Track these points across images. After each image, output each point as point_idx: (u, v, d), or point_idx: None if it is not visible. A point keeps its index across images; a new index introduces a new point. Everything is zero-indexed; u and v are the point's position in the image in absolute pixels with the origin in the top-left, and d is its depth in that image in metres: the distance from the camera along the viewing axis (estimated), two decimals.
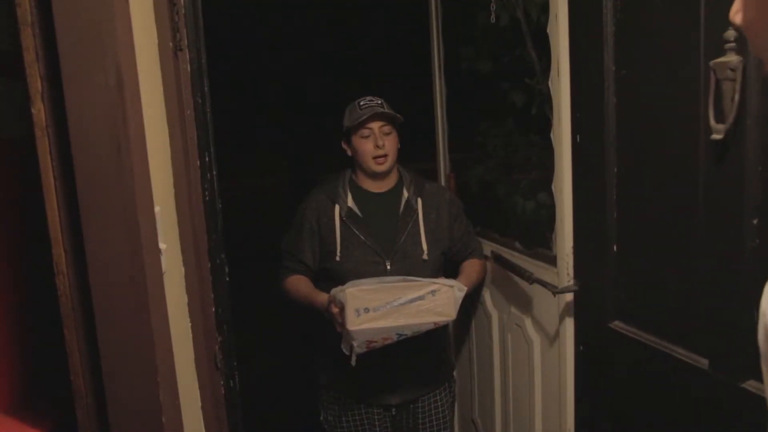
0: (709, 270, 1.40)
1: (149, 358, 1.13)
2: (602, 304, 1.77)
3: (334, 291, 2.03)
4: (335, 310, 2.01)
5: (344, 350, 2.03)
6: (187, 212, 1.52)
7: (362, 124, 2.20)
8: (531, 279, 2.04)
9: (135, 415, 1.15)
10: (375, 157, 2.22)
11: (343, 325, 1.97)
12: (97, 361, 1.13)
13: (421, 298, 1.96)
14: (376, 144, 2.21)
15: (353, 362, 2.05)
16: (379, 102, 2.25)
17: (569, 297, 1.93)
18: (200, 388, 1.56)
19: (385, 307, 1.93)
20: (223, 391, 1.67)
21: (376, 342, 2.00)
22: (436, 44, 2.84)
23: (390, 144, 2.23)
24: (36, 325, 1.40)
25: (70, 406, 1.19)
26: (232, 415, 1.72)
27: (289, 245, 2.32)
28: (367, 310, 1.92)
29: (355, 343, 1.96)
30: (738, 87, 1.26)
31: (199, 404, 1.56)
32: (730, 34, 1.26)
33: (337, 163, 2.42)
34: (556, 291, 1.92)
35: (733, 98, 1.27)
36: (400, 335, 2.01)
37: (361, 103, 2.25)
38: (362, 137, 2.22)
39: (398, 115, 2.24)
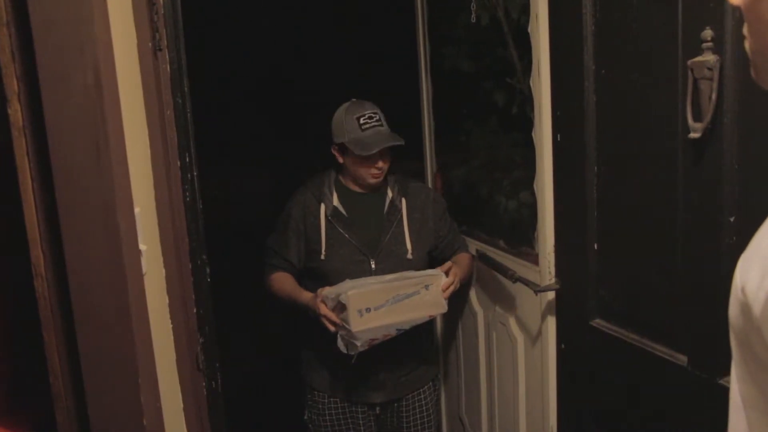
0: (688, 268, 1.42)
1: (130, 360, 1.13)
2: (583, 303, 1.78)
3: (326, 291, 2.03)
4: (324, 310, 2.01)
5: (341, 349, 2.04)
6: (168, 213, 1.51)
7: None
8: (514, 278, 2.05)
9: (116, 417, 1.14)
10: (371, 174, 2.22)
11: (343, 326, 1.98)
12: (77, 364, 1.12)
13: (416, 293, 2.02)
14: (375, 166, 2.20)
15: (354, 360, 2.08)
16: (378, 119, 2.20)
17: (551, 295, 1.94)
18: (182, 389, 1.56)
19: (385, 305, 1.98)
20: (205, 393, 1.66)
21: (377, 339, 2.03)
22: (422, 44, 2.84)
23: (387, 162, 2.23)
24: (14, 327, 1.39)
25: (50, 408, 1.18)
26: (215, 416, 1.71)
27: (275, 243, 2.32)
28: (368, 309, 1.96)
29: (358, 343, 1.99)
30: (715, 86, 1.27)
31: (181, 406, 1.55)
32: (708, 33, 1.28)
33: (321, 163, 2.42)
34: (537, 290, 1.93)
35: (710, 97, 1.28)
36: (399, 330, 2.06)
37: (361, 120, 2.18)
38: (362, 158, 2.18)
39: (402, 140, 2.19)
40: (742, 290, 0.66)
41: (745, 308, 0.65)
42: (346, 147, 2.20)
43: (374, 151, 2.14)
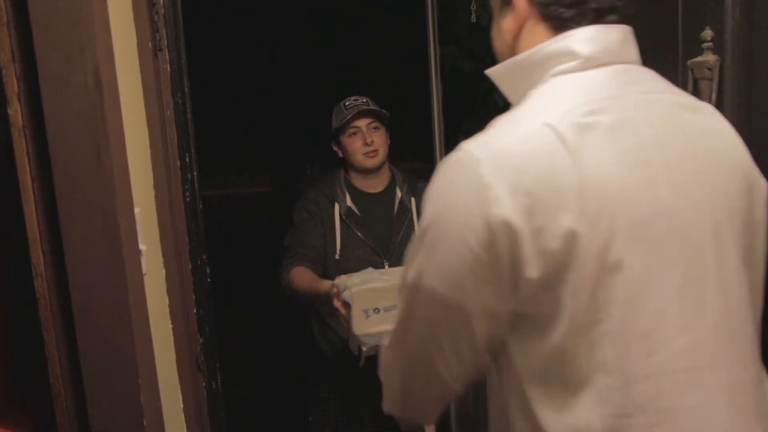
0: None
1: (130, 360, 1.12)
2: None
3: (338, 280, 1.90)
4: (337, 303, 1.88)
5: (352, 350, 1.88)
6: (168, 213, 1.51)
7: (348, 123, 2.21)
8: None
9: (116, 417, 1.14)
10: (365, 153, 2.22)
11: (348, 326, 1.85)
12: (77, 364, 1.12)
13: None
14: (365, 141, 2.21)
15: (361, 363, 1.95)
16: (365, 100, 2.26)
17: None
18: (182, 389, 1.55)
19: (394, 307, 1.73)
20: (205, 393, 1.66)
21: (384, 344, 1.90)
22: (432, 44, 2.83)
23: (379, 139, 2.24)
24: (14, 327, 1.39)
25: (50, 408, 1.18)
26: (215, 417, 1.71)
27: (292, 240, 2.25)
28: (377, 310, 1.79)
29: (364, 348, 1.81)
30: (715, 86, 1.27)
31: (181, 406, 1.55)
32: (707, 34, 1.28)
33: (321, 164, 2.42)
34: None
35: (710, 97, 1.28)
36: None
37: (347, 103, 2.25)
38: (350, 136, 2.23)
39: (384, 111, 2.25)
40: None
41: None
42: (337, 133, 2.24)
43: (349, 116, 2.18)
